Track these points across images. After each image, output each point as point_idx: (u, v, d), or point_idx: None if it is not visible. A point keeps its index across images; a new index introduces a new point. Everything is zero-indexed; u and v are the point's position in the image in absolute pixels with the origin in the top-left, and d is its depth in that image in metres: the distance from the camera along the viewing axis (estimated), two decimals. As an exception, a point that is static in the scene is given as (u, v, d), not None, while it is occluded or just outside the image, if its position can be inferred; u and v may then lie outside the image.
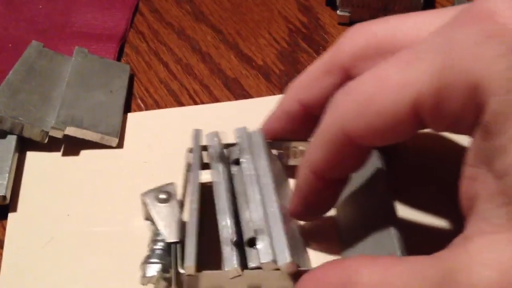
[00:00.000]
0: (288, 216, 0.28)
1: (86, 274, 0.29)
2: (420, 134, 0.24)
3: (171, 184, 0.30)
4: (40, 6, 0.46)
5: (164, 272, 0.27)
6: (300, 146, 0.31)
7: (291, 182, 0.32)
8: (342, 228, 0.30)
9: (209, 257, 0.27)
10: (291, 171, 0.31)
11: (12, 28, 0.44)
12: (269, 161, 0.29)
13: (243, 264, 0.25)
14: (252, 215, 0.27)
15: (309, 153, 0.25)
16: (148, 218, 0.30)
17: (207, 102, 0.39)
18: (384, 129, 0.22)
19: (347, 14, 0.42)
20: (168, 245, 0.27)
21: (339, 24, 0.43)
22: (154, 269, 0.27)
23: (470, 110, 0.19)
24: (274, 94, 0.38)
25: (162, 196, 0.29)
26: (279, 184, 0.29)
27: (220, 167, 0.29)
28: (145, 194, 0.29)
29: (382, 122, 0.21)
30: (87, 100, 0.37)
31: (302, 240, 0.29)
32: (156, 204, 0.29)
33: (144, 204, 0.29)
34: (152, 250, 0.28)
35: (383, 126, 0.22)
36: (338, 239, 0.30)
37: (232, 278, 0.25)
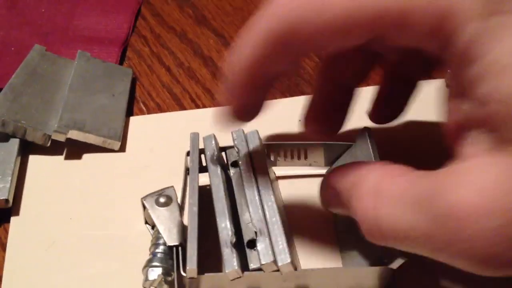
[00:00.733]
0: (283, 217, 0.28)
1: (88, 277, 0.30)
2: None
3: (171, 187, 0.30)
4: (43, 10, 0.46)
5: (166, 275, 0.27)
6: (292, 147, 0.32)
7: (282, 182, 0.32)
8: (339, 229, 0.30)
9: (210, 259, 0.27)
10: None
11: (15, 31, 0.44)
12: (266, 162, 0.29)
13: (244, 266, 0.25)
14: (251, 217, 0.27)
15: (242, 49, 0.24)
16: (148, 222, 0.30)
17: (209, 106, 0.39)
18: (337, 32, 0.21)
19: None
20: (169, 249, 0.27)
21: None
22: (156, 273, 0.27)
23: (436, 37, 0.19)
24: (275, 98, 0.38)
25: (162, 199, 0.29)
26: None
27: (218, 169, 0.29)
28: (145, 198, 0.30)
29: (338, 25, 0.20)
30: (89, 104, 0.37)
31: (293, 240, 0.30)
32: (156, 208, 0.29)
33: (144, 208, 0.30)
34: (154, 254, 0.28)
35: (338, 29, 0.21)
36: (336, 239, 0.30)
37: (232, 279, 0.25)
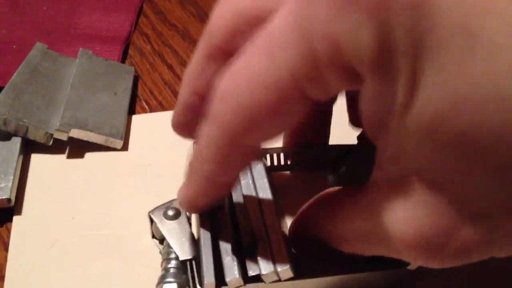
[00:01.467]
0: (281, 222, 0.28)
1: (90, 276, 0.29)
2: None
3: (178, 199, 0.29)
4: (45, 8, 0.46)
5: (180, 291, 0.26)
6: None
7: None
8: None
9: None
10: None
11: (17, 29, 0.44)
12: (265, 169, 0.29)
13: (244, 273, 0.25)
14: (251, 224, 0.26)
15: (203, 159, 0.22)
16: (156, 236, 0.30)
17: (212, 104, 0.39)
18: (274, 116, 0.19)
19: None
20: (183, 263, 0.27)
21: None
22: None
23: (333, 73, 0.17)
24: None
25: (170, 212, 0.28)
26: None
27: None
28: (152, 211, 0.28)
29: (271, 108, 0.19)
30: (91, 102, 0.37)
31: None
32: (165, 222, 0.28)
33: (152, 222, 0.29)
34: (166, 269, 0.27)
35: (272, 112, 0.19)
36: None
37: None
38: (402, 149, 0.17)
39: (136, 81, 0.40)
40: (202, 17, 0.45)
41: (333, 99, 0.27)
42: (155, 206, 0.29)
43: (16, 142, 0.34)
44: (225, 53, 0.22)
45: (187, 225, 0.28)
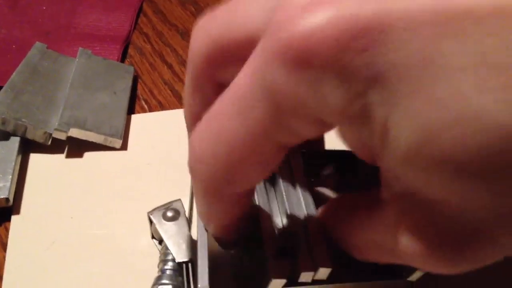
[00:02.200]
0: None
1: (89, 276, 0.29)
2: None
3: (178, 200, 0.29)
4: (44, 8, 0.46)
5: (175, 293, 0.26)
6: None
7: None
8: None
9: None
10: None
11: (16, 29, 0.44)
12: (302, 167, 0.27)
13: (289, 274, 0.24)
14: (289, 222, 0.25)
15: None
16: (155, 236, 0.30)
17: (211, 104, 0.38)
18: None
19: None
20: (179, 265, 0.27)
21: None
22: None
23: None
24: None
25: (170, 213, 0.28)
26: None
27: None
28: (151, 212, 0.29)
29: (245, 162, 0.19)
30: (90, 102, 0.37)
31: None
32: (163, 223, 0.28)
33: (151, 223, 0.29)
34: (162, 271, 0.27)
35: (247, 165, 0.19)
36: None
37: None
38: (394, 173, 0.17)
39: (135, 81, 0.40)
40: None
41: None
42: (153, 206, 0.29)
43: (15, 141, 0.34)
44: (212, 81, 0.22)
45: (186, 227, 0.28)
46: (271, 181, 0.27)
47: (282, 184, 0.27)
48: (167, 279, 0.26)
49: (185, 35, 0.44)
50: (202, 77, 0.22)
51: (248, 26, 0.20)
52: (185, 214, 0.28)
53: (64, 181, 0.34)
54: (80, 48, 0.40)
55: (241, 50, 0.20)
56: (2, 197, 0.31)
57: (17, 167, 0.34)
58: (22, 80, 0.36)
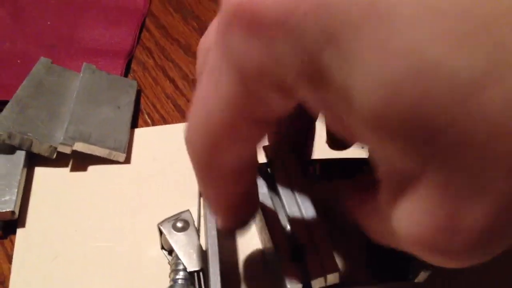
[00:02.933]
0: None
1: (94, 289, 0.30)
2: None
3: (187, 211, 0.30)
4: (48, 22, 0.46)
5: (188, 302, 0.26)
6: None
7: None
8: (361, 243, 0.29)
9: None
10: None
11: (21, 43, 0.44)
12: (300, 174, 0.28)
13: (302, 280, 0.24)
14: (294, 227, 0.25)
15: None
16: (165, 247, 0.30)
17: (214, 118, 0.39)
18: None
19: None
20: (190, 274, 0.27)
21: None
22: None
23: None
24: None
25: (179, 224, 0.29)
26: None
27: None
28: (161, 223, 0.29)
29: (227, 134, 0.20)
30: (95, 116, 0.37)
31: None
32: (173, 233, 0.28)
33: (161, 233, 0.29)
34: (174, 281, 0.27)
35: (230, 138, 0.20)
36: (359, 253, 0.30)
37: None
38: (370, 145, 0.17)
39: (138, 95, 0.41)
40: (205, 31, 0.46)
41: (316, 117, 0.27)
42: (157, 217, 0.29)
43: (20, 155, 0.35)
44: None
45: (195, 237, 0.28)
46: (273, 187, 0.28)
47: (284, 190, 0.27)
48: None
49: (188, 50, 0.44)
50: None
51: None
52: (194, 225, 0.29)
53: (68, 194, 0.34)
54: (84, 63, 0.41)
55: None
56: (8, 210, 0.32)
57: (23, 181, 0.34)
58: (27, 95, 0.37)
